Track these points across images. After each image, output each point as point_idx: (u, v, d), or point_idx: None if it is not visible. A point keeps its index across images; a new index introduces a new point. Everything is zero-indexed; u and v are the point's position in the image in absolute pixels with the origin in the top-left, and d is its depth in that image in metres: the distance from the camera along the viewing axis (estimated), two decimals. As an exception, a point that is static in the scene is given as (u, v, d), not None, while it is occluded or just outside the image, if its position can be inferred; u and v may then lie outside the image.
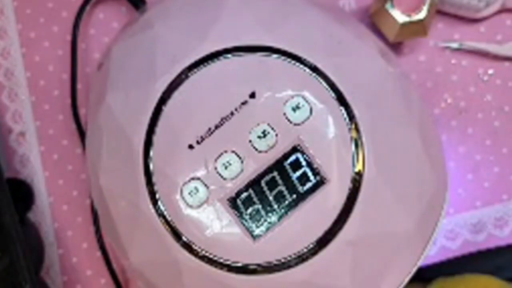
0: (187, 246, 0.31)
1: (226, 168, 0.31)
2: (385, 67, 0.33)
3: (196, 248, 0.31)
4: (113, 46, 0.36)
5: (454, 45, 0.40)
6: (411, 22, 0.37)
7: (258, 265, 0.31)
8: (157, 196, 0.32)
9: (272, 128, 0.31)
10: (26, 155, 0.42)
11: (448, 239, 0.40)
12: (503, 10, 0.40)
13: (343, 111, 0.31)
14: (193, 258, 0.31)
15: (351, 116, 0.31)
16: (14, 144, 0.42)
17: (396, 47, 0.40)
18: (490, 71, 0.40)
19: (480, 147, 0.40)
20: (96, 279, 0.42)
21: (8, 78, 0.42)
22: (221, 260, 0.31)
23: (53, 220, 0.42)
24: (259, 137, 0.31)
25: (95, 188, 0.35)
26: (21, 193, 0.41)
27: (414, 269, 0.33)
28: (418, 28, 0.37)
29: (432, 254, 0.40)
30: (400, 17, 0.36)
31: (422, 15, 0.36)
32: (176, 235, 0.32)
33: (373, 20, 0.38)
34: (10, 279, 0.36)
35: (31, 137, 0.42)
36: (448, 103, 0.40)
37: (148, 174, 0.32)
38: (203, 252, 0.31)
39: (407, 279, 0.33)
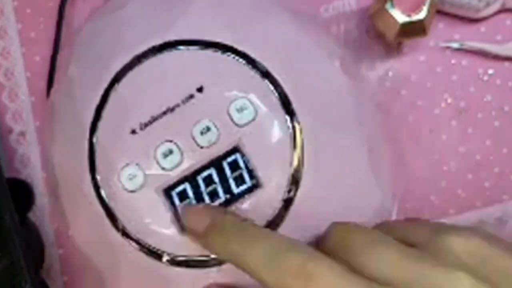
0: (122, 231, 0.32)
1: (165, 158, 0.31)
2: (341, 79, 0.33)
3: (130, 233, 0.31)
4: (85, 24, 0.36)
5: (454, 45, 0.40)
6: (411, 22, 0.37)
7: (186, 257, 0.31)
8: (98, 177, 0.32)
9: (215, 126, 0.31)
10: (26, 155, 0.42)
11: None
12: (503, 10, 0.40)
13: (288, 119, 0.31)
14: (126, 243, 0.32)
15: (296, 125, 0.31)
16: (14, 144, 0.42)
17: (396, 47, 0.40)
18: (490, 71, 0.40)
19: (480, 147, 0.40)
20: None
21: (8, 78, 0.42)
22: (152, 248, 0.31)
23: (53, 220, 0.42)
24: (201, 132, 0.31)
25: (48, 162, 0.35)
26: (21, 193, 0.41)
27: None
28: (418, 28, 0.37)
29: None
30: (400, 17, 0.36)
31: (422, 15, 0.36)
32: (113, 218, 0.32)
33: (373, 21, 0.38)
34: (10, 279, 0.36)
35: (31, 137, 0.42)
36: (448, 103, 0.40)
37: (92, 153, 0.32)
38: (137, 238, 0.31)
39: None
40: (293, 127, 0.31)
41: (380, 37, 0.40)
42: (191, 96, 0.31)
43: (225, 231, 0.28)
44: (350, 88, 0.34)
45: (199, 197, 0.31)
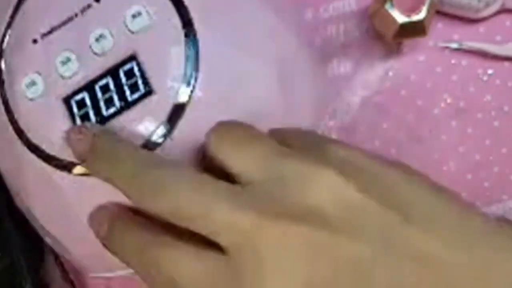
0: (25, 140, 0.33)
1: (63, 66, 0.32)
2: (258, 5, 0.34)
3: (32, 142, 0.33)
4: None
5: (454, 45, 0.40)
6: (410, 22, 0.37)
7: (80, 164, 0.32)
8: (4, 85, 0.34)
9: (111, 33, 0.32)
10: (26, 155, 0.42)
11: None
12: (503, 10, 0.40)
13: (186, 30, 0.32)
14: (29, 152, 0.33)
15: (192, 35, 0.32)
16: (14, 144, 0.42)
17: (396, 47, 0.40)
18: (490, 71, 0.40)
19: (479, 147, 0.40)
20: (96, 279, 0.42)
21: (9, 78, 0.42)
22: (52, 157, 0.32)
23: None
24: (96, 39, 0.32)
25: None
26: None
27: None
28: (418, 28, 0.37)
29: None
30: (400, 17, 0.37)
31: (421, 15, 0.36)
32: (16, 127, 0.33)
33: (372, 21, 0.39)
34: (10, 278, 0.36)
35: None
36: (447, 103, 0.40)
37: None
38: (38, 147, 0.33)
39: None
40: (190, 38, 0.32)
41: (380, 37, 0.40)
42: (89, 6, 0.33)
43: (98, 152, 0.29)
44: (264, 9, 0.34)
45: (96, 105, 0.32)
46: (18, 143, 0.33)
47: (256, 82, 0.33)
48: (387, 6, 0.37)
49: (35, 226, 0.36)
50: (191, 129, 0.32)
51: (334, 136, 0.41)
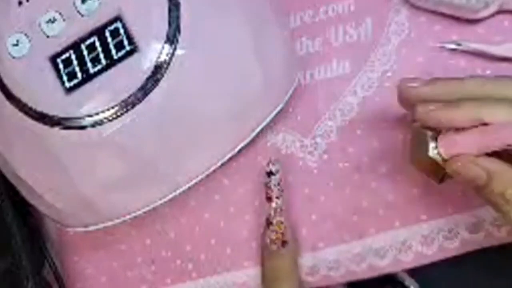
0: (11, 97, 0.34)
1: (49, 26, 0.34)
2: None
3: (16, 97, 0.34)
4: None
5: (452, 46, 0.40)
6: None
7: (67, 118, 0.33)
8: None
9: None
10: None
11: (447, 238, 0.40)
12: (501, 11, 0.40)
13: None
14: (14, 108, 0.34)
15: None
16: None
17: (395, 48, 0.40)
18: (488, 72, 0.40)
19: (478, 147, 0.40)
20: (96, 278, 0.42)
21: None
22: (36, 110, 0.33)
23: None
24: (82, 1, 0.33)
25: None
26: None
27: (221, 161, 0.36)
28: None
29: (430, 254, 0.40)
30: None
31: None
32: (3, 86, 0.34)
33: (412, 162, 0.36)
34: (13, 277, 0.36)
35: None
36: (446, 103, 0.40)
37: None
38: (23, 102, 0.34)
39: (212, 168, 0.36)
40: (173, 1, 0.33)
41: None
42: None
43: None
44: None
45: (82, 63, 0.33)
46: (5, 101, 0.34)
47: (232, 41, 0.35)
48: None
49: (21, 190, 0.37)
50: (173, 84, 0.33)
51: (333, 136, 0.41)
